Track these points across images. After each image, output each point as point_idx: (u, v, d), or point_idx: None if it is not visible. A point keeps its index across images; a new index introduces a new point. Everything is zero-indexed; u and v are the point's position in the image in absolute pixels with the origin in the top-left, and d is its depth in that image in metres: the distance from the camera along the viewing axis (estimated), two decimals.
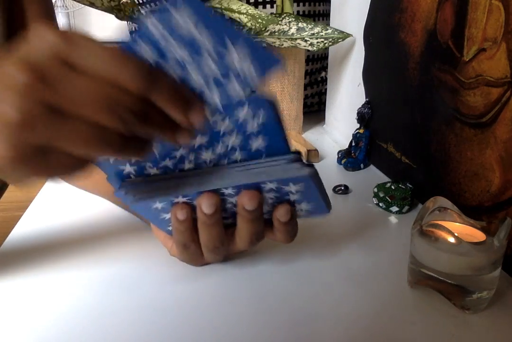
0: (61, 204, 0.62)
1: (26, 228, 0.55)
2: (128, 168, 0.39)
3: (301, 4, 0.93)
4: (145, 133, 0.31)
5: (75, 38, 0.28)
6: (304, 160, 0.38)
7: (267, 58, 0.32)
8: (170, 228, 0.44)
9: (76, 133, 0.28)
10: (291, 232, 0.43)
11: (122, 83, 0.28)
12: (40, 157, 0.29)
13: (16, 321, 0.40)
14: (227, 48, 0.31)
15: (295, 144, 0.81)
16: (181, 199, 0.40)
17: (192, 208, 0.41)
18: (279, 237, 0.43)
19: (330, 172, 0.74)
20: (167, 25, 0.30)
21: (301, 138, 0.83)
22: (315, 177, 0.38)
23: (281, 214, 0.41)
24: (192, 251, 0.44)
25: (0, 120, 0.27)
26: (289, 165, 0.37)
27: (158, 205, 0.40)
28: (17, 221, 0.56)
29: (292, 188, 0.38)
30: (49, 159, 0.29)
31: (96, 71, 0.28)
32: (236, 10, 0.71)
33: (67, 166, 0.30)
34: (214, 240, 0.42)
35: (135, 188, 0.40)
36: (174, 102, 0.30)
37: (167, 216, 0.42)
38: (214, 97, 0.33)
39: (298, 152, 0.38)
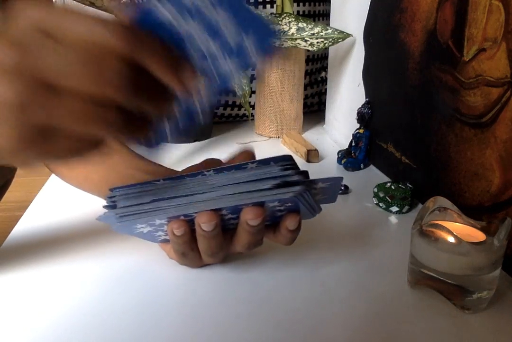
0: (61, 203, 0.62)
1: (26, 228, 0.55)
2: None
3: (301, 4, 0.93)
4: (138, 105, 0.30)
5: (56, 10, 0.27)
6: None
7: (265, 30, 0.31)
8: (161, 239, 0.44)
9: (71, 110, 0.27)
10: (294, 237, 0.44)
11: (107, 45, 0.27)
12: (42, 138, 0.28)
13: (16, 319, 0.40)
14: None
15: (295, 145, 0.81)
16: (166, 220, 0.40)
17: (189, 222, 0.41)
18: (281, 241, 0.44)
19: (330, 171, 0.74)
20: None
21: (301, 138, 0.83)
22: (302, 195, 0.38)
23: (291, 223, 0.42)
24: (191, 257, 0.44)
25: None
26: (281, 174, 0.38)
27: (140, 228, 0.41)
28: (17, 221, 0.56)
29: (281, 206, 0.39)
30: (52, 140, 0.29)
31: (78, 37, 0.27)
32: None
33: (70, 147, 0.29)
34: (212, 248, 0.42)
35: (119, 202, 0.40)
36: (164, 63, 0.29)
37: (157, 233, 0.43)
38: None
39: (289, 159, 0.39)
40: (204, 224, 0.39)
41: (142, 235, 0.43)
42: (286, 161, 0.39)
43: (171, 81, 0.30)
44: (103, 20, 0.27)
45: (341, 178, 0.40)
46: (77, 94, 0.27)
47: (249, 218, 0.39)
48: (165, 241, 0.45)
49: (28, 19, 0.27)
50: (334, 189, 0.42)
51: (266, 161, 0.39)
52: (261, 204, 0.39)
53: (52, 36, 0.27)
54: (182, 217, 0.39)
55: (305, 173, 0.39)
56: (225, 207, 0.38)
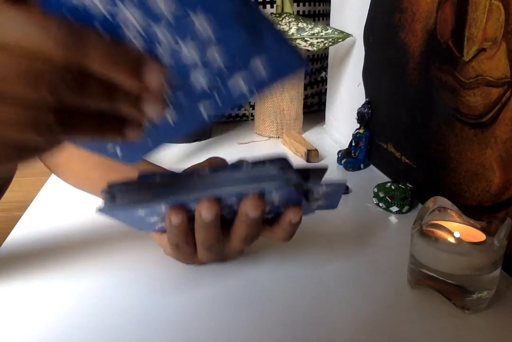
0: (61, 204, 0.62)
1: (26, 228, 0.55)
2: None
3: (301, 4, 0.93)
4: (95, 106, 0.26)
5: None
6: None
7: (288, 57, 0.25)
8: (157, 228, 0.44)
9: (8, 119, 0.24)
10: (293, 232, 0.43)
11: (45, 52, 0.24)
12: None
13: (14, 321, 0.40)
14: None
15: (295, 144, 0.81)
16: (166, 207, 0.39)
17: (187, 210, 0.40)
18: (279, 236, 0.43)
19: (330, 171, 0.74)
20: None
21: (301, 138, 0.83)
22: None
23: (294, 216, 0.40)
24: (186, 251, 0.43)
25: None
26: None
27: (142, 212, 0.40)
28: (17, 221, 0.56)
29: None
30: None
31: (12, 41, 0.23)
32: None
33: (6, 154, 0.26)
34: (210, 239, 0.42)
35: (117, 196, 0.40)
36: (114, 63, 0.24)
37: (152, 219, 0.42)
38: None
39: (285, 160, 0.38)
40: (205, 211, 0.38)
41: (138, 221, 0.42)
42: (281, 161, 0.38)
43: (128, 83, 0.25)
44: (40, 19, 0.23)
45: (344, 184, 0.40)
46: (9, 100, 0.24)
47: (249, 208, 0.38)
48: (162, 229, 0.45)
49: None
50: (336, 194, 0.42)
51: (261, 162, 0.38)
52: (260, 196, 0.38)
53: None
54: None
55: (304, 172, 0.39)
56: (225, 197, 0.38)
